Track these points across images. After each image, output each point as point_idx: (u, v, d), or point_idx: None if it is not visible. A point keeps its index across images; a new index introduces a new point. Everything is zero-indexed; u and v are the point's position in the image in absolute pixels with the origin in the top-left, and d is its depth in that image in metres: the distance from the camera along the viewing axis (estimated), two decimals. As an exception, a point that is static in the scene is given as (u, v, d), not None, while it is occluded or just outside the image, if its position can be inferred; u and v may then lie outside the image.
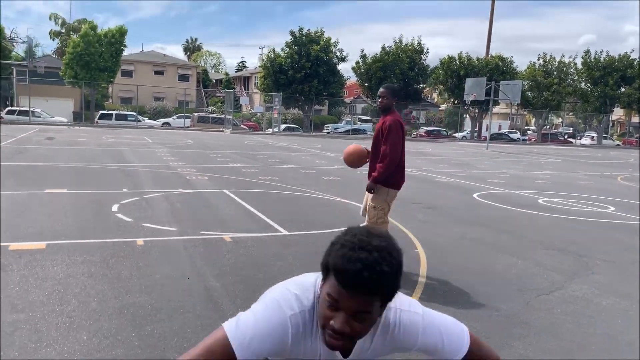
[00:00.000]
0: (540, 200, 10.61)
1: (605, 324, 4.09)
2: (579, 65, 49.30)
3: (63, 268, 4.73)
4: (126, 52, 44.70)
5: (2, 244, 5.38)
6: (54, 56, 62.14)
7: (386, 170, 4.86)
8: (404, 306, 1.53)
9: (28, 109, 36.62)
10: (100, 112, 40.16)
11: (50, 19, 68.60)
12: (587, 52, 49.25)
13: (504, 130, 56.05)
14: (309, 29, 43.39)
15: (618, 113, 63.94)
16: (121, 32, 40.53)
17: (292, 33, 42.92)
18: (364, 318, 1.34)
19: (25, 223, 6.40)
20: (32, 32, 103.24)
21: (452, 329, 1.55)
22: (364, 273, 1.28)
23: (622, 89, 49.67)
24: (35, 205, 7.56)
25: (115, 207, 7.55)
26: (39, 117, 36.99)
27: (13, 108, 38.41)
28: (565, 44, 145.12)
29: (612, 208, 10.11)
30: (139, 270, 4.77)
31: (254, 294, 4.25)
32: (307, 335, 1.47)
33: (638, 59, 49.01)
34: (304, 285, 1.51)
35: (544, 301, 4.54)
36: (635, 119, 65.76)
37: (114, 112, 40.07)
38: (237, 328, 1.40)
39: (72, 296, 4.06)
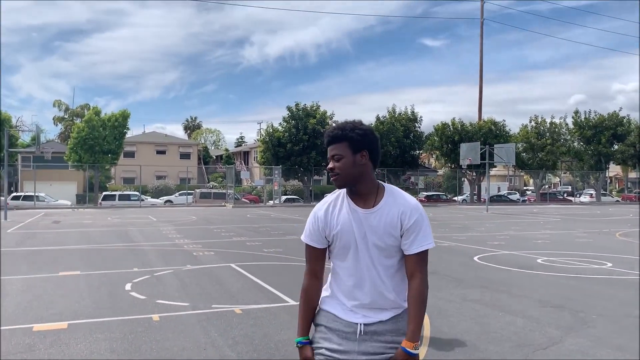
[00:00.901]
0: (539, 260, 10.90)
1: None
2: (570, 125, 50.66)
3: (87, 345, 5.01)
4: (128, 134, 46.00)
5: (26, 325, 5.68)
6: (57, 141, 63.82)
7: None
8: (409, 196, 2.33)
9: (33, 194, 37.35)
10: (104, 193, 40.88)
11: (54, 105, 71.12)
12: (577, 112, 50.81)
13: (503, 191, 56.73)
14: (305, 104, 44.99)
15: (615, 169, 64.90)
16: (124, 116, 41.96)
17: (289, 108, 44.45)
18: (339, 159, 2.23)
19: (44, 305, 6.70)
20: (36, 119, 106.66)
21: (428, 234, 2.25)
22: (331, 130, 2.27)
23: (615, 146, 50.79)
24: (52, 287, 7.86)
25: (128, 286, 7.85)
26: (43, 201, 37.67)
27: (18, 194, 39.16)
28: (556, 105, 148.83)
29: (610, 264, 10.38)
30: (158, 344, 5.05)
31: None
32: (336, 209, 2.30)
33: (627, 117, 50.48)
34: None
35: (542, 355, 4.79)
36: (632, 175, 66.66)
37: (117, 193, 40.78)
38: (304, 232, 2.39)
39: None
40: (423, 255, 2.24)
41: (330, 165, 2.27)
